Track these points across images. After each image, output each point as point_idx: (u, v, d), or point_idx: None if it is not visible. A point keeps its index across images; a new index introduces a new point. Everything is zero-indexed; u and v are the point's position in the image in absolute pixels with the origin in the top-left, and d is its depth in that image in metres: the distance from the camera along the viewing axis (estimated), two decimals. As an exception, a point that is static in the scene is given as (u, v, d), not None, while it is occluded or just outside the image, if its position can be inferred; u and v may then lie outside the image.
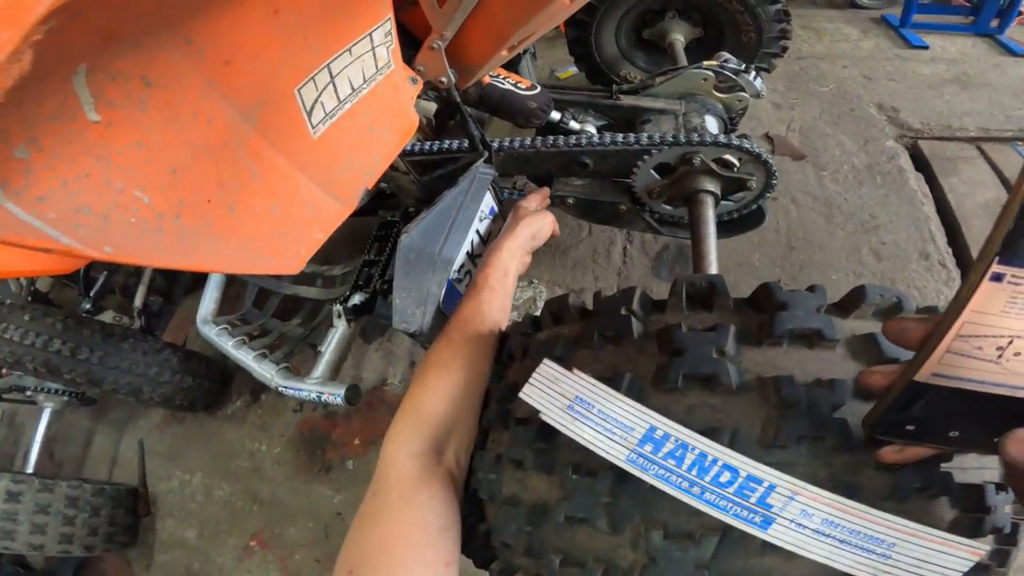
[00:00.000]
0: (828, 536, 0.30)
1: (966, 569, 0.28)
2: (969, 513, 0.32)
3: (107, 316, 1.20)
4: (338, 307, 0.87)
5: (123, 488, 1.21)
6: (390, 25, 0.44)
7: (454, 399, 0.48)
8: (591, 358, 0.41)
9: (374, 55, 0.45)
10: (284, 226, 0.42)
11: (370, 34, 0.43)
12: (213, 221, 0.35)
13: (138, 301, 1.21)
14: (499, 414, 0.45)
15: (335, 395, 0.79)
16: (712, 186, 0.81)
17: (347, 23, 0.40)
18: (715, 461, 0.32)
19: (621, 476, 0.35)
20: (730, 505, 0.31)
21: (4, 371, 1.27)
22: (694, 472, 0.31)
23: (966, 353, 0.24)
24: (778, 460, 0.32)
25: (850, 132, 1.50)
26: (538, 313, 0.51)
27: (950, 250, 1.21)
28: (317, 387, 0.83)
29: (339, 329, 0.88)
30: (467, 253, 0.69)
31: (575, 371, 0.36)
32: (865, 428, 0.30)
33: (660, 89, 0.99)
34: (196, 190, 0.33)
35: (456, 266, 0.65)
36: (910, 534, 0.29)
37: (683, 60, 1.17)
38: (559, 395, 0.36)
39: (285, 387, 0.85)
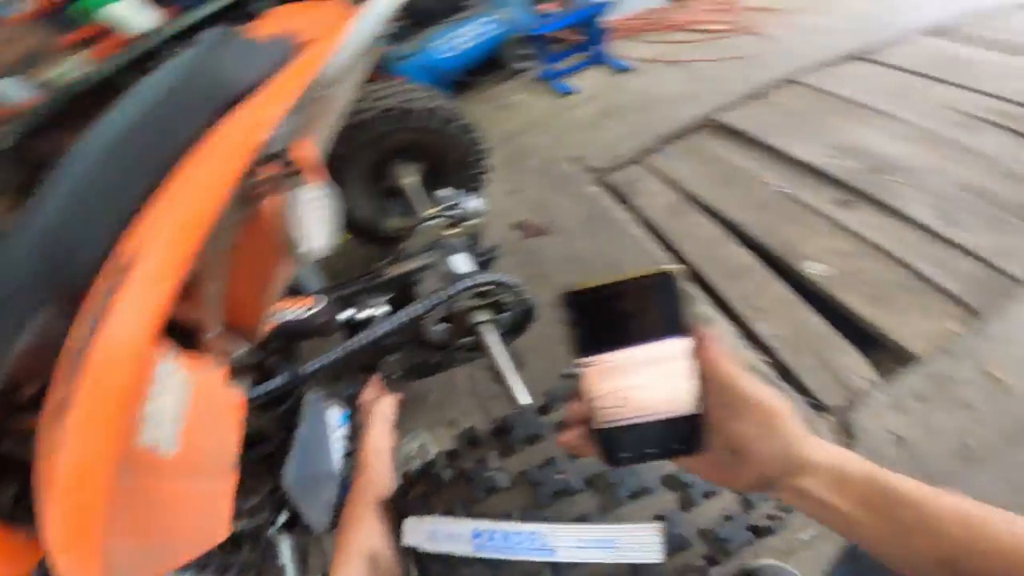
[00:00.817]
0: (582, 548, 0.53)
1: (661, 539, 0.51)
2: None
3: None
4: (272, 530, 0.92)
5: None
6: (170, 358, 0.50)
7: None
8: (439, 499, 0.64)
9: (175, 379, 0.52)
10: (199, 514, 0.53)
11: (155, 370, 0.49)
12: (158, 538, 0.47)
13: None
14: None
15: None
16: (485, 315, 0.99)
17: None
18: (511, 533, 0.55)
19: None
20: (532, 550, 0.54)
21: None
22: (505, 541, 0.55)
23: (606, 406, 0.36)
24: (545, 516, 0.56)
25: (565, 193, 1.84)
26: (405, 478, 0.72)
27: (667, 252, 1.55)
28: None
29: (285, 543, 0.94)
30: (343, 456, 0.85)
31: (427, 516, 0.59)
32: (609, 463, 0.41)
33: (411, 250, 1.15)
34: (129, 529, 0.43)
35: (338, 470, 0.81)
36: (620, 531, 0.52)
37: (421, 197, 1.36)
38: (423, 533, 0.58)
39: None
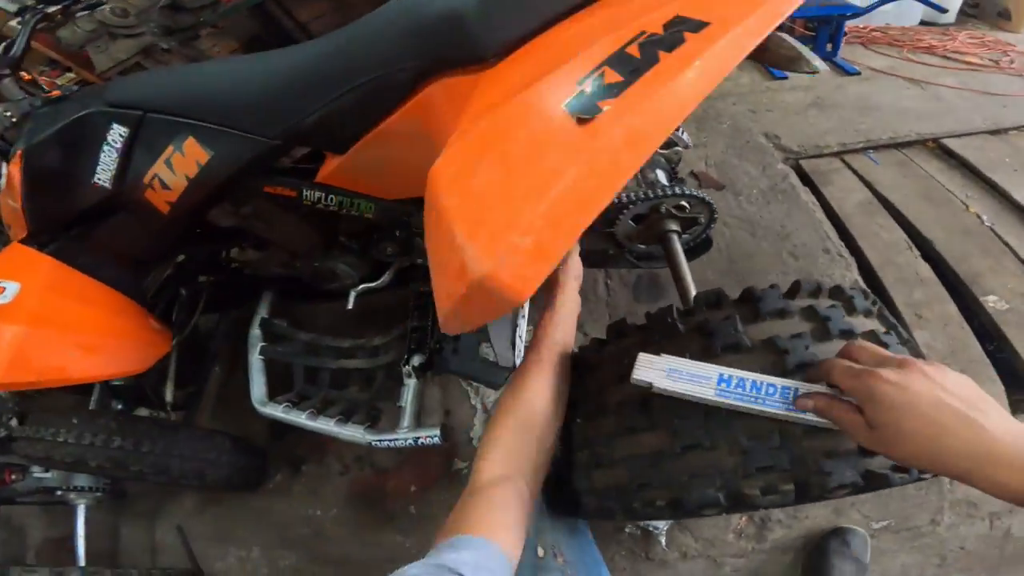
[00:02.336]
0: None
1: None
2: None
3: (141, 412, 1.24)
4: (407, 368, 1.00)
5: (180, 570, 1.23)
6: None
7: (530, 425, 0.57)
8: (660, 350, 0.60)
9: None
10: None
11: None
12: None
13: (169, 396, 1.24)
14: (594, 410, 0.63)
15: (431, 436, 0.92)
16: (676, 226, 1.04)
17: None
18: (758, 383, 0.50)
19: (706, 413, 0.53)
20: (776, 402, 0.50)
21: (14, 475, 1.27)
22: (751, 391, 0.50)
23: None
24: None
25: (751, 160, 1.83)
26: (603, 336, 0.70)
27: (843, 243, 1.53)
28: (411, 434, 0.95)
29: (411, 385, 1.01)
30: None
31: (663, 355, 0.54)
32: None
33: None
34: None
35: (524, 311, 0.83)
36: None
37: None
38: (658, 371, 0.53)
39: (379, 441, 0.96)
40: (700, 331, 0.58)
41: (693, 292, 0.93)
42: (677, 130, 1.20)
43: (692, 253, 1.13)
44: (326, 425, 1.00)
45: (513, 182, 0.42)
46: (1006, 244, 1.47)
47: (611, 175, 0.40)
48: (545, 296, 0.72)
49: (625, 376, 0.54)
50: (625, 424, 0.57)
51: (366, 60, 0.60)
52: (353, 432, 0.99)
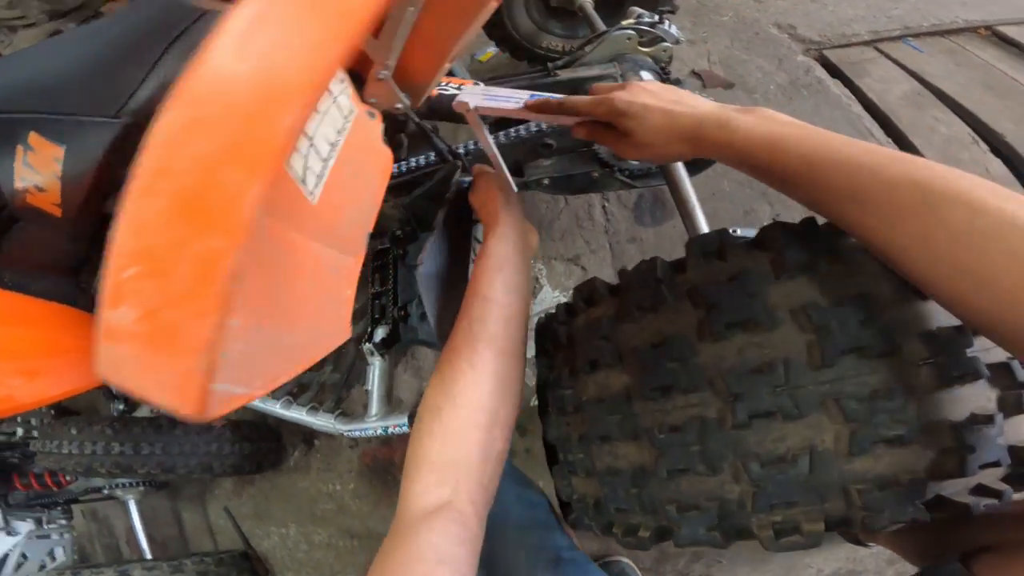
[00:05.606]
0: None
1: None
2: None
3: (143, 412, 1.20)
4: (368, 346, 0.84)
5: (236, 554, 1.24)
6: (342, 71, 0.43)
7: (466, 427, 0.42)
8: (636, 330, 0.43)
9: (337, 105, 0.44)
10: (321, 298, 0.41)
11: (328, 87, 0.41)
12: (278, 319, 0.34)
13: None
14: (564, 402, 0.46)
15: (400, 425, 0.80)
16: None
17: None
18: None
19: (705, 424, 0.36)
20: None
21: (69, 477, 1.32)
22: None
23: None
24: (832, 377, 0.34)
25: (763, 54, 1.54)
26: (568, 300, 0.52)
27: (890, 139, 1.28)
28: (381, 422, 0.83)
29: (376, 365, 0.87)
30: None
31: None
32: None
33: (591, 57, 0.99)
34: (252, 294, 0.30)
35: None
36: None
37: (597, 21, 1.16)
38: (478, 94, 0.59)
39: (349, 430, 0.85)
40: (695, 298, 0.40)
41: (700, 218, 0.73)
42: (662, 22, 0.95)
43: (696, 166, 0.92)
44: (299, 414, 0.93)
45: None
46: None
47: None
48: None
49: (597, 363, 0.42)
50: (599, 430, 0.42)
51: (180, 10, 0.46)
52: (324, 422, 0.90)
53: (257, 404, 0.97)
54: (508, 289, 0.48)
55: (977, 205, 0.29)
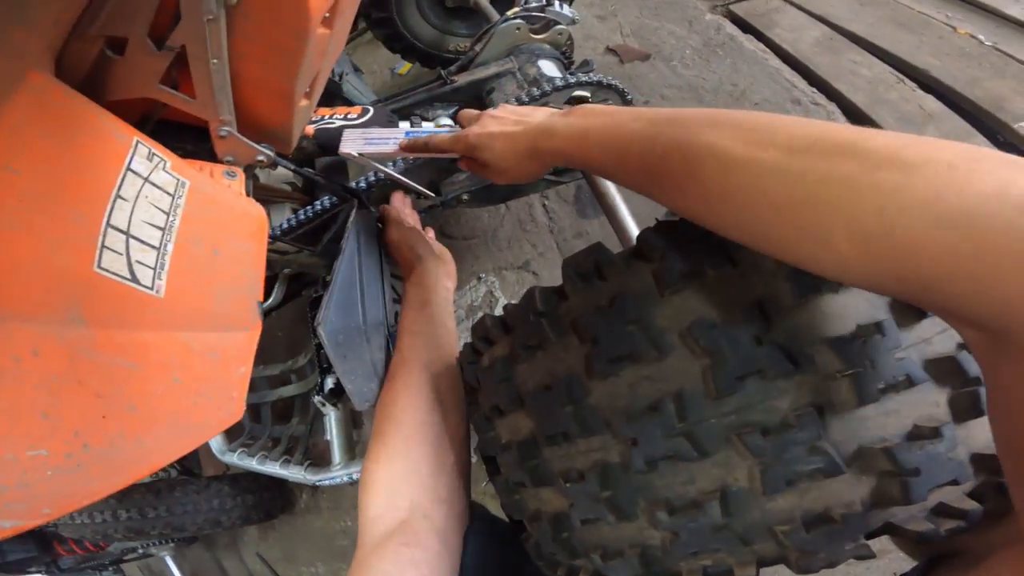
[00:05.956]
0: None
1: None
2: None
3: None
4: (317, 398, 0.84)
5: None
6: (145, 147, 0.35)
7: (411, 446, 0.45)
8: (528, 371, 0.38)
9: (153, 184, 0.36)
10: (198, 387, 0.38)
11: (127, 168, 0.34)
12: (123, 429, 0.31)
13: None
14: (491, 442, 0.42)
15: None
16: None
17: (88, 175, 0.31)
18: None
19: (607, 470, 0.32)
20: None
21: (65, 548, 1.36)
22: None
23: None
24: (735, 406, 0.28)
25: (673, 19, 1.49)
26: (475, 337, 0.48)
27: (814, 89, 1.23)
28: (345, 471, 0.84)
29: (331, 415, 0.86)
30: (393, 300, 0.65)
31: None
32: None
33: (485, 56, 0.92)
34: (82, 416, 0.29)
35: (390, 320, 0.61)
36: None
37: (492, 14, 1.09)
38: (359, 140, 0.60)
39: (320, 481, 0.85)
40: (577, 331, 0.35)
41: (629, 222, 0.67)
42: (551, 4, 0.88)
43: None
44: (273, 469, 0.90)
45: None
46: (1022, 63, 1.17)
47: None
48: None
49: (499, 408, 0.39)
50: (516, 476, 0.39)
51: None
52: (296, 474, 0.88)
53: (234, 461, 0.97)
54: (431, 322, 0.54)
55: (726, 159, 0.26)
